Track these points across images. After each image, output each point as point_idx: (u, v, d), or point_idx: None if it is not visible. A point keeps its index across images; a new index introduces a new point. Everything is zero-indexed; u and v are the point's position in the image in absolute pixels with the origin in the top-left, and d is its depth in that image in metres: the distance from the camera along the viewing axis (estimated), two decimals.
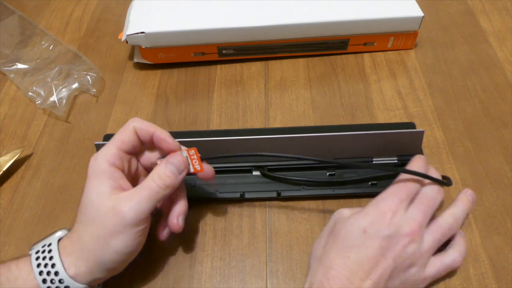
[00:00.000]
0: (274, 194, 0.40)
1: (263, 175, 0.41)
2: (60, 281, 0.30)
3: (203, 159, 0.36)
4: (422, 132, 0.40)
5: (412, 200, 0.34)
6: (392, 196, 0.33)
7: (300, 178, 0.40)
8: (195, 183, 0.41)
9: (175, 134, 0.37)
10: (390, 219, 0.32)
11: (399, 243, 0.31)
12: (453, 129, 0.45)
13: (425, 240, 0.33)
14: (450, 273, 0.35)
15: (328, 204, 0.40)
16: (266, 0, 0.52)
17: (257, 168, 0.42)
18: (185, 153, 0.35)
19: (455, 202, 0.37)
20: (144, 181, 0.33)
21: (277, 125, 0.47)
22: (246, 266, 0.37)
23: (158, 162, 0.35)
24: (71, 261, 0.31)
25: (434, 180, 0.35)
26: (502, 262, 0.36)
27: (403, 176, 0.35)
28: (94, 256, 0.31)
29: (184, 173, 0.34)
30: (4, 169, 0.42)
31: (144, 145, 0.36)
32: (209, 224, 0.40)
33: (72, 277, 0.30)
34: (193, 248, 0.38)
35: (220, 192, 0.40)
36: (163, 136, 0.34)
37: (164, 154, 0.36)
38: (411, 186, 0.34)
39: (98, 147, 0.41)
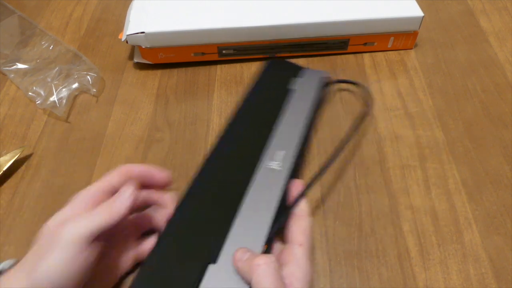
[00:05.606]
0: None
1: None
2: None
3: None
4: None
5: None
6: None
7: None
8: None
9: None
10: None
11: None
12: (453, 129, 0.45)
13: None
14: (450, 273, 0.36)
15: (328, 203, 0.40)
16: (266, 0, 0.52)
17: None
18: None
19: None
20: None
21: None
22: None
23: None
24: None
25: None
26: (502, 262, 0.36)
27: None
28: None
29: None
30: (4, 169, 0.42)
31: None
32: None
33: None
34: None
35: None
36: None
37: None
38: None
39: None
